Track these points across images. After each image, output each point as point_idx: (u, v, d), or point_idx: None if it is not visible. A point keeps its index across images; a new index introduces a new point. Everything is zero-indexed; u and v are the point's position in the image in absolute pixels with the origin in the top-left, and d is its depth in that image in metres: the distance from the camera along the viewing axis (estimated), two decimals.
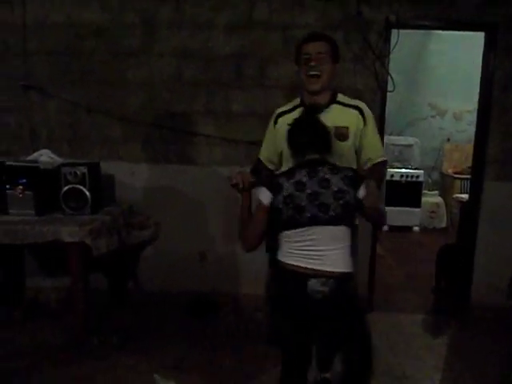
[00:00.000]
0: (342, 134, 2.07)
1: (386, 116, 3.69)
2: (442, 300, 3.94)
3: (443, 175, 6.93)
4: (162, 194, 3.66)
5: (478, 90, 3.63)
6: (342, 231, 1.75)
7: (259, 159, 2.44)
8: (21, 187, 2.99)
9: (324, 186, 1.71)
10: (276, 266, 1.84)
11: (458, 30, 3.86)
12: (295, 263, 1.75)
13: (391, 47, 3.45)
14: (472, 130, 3.91)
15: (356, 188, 1.72)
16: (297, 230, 1.75)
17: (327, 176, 1.73)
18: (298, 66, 2.18)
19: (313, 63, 2.04)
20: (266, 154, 2.39)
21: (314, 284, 1.69)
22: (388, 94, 3.53)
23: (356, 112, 2.13)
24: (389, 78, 3.46)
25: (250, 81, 3.53)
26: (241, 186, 1.93)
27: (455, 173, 6.49)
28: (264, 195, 1.79)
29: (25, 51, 3.56)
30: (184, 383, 2.08)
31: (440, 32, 5.59)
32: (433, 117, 6.90)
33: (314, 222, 1.72)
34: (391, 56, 3.52)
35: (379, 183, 1.96)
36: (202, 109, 3.59)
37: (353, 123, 2.10)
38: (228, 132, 3.58)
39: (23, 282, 3.66)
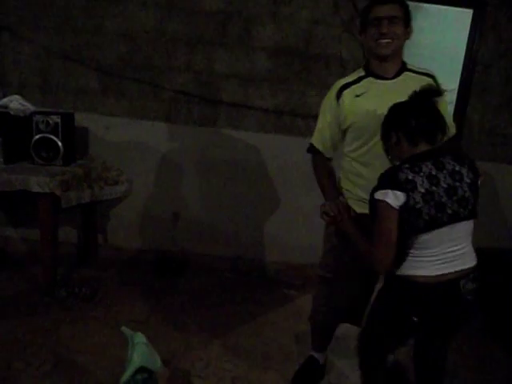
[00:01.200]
0: None
1: None
2: None
3: None
4: (137, 151, 3.58)
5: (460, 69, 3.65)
6: (474, 224, 1.65)
7: (317, 152, 2.11)
8: None
9: (457, 178, 1.54)
10: (399, 284, 1.62)
11: (447, 5, 3.83)
12: (446, 271, 1.55)
13: None
14: (452, 108, 3.95)
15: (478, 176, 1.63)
16: (438, 231, 1.54)
17: (457, 168, 1.56)
18: (362, 30, 1.96)
19: (384, 29, 1.82)
20: (329, 141, 2.08)
21: (467, 283, 1.56)
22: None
23: (430, 80, 1.89)
24: None
25: (234, 40, 3.43)
26: (339, 218, 1.76)
27: None
28: (393, 196, 1.50)
29: None
30: (151, 338, 2.08)
31: (428, 7, 5.54)
32: None
33: (456, 218, 1.55)
34: None
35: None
36: (183, 65, 3.48)
37: None
38: (208, 92, 3.51)
39: None
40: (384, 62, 1.90)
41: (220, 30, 3.42)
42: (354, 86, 1.97)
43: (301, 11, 3.37)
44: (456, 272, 1.55)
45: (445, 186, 1.51)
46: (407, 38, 1.92)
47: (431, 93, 1.61)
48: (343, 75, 3.39)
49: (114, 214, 3.69)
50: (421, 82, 1.78)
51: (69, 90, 3.53)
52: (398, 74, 1.92)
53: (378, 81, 1.93)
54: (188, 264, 3.59)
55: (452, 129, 2.00)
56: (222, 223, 3.67)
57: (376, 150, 1.88)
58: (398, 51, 1.91)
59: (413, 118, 1.58)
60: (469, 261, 1.60)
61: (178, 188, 3.64)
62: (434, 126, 1.60)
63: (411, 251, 1.57)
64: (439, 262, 1.55)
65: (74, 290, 2.98)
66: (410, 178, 1.49)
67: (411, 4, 5.37)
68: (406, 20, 1.89)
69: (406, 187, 1.49)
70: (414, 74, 1.92)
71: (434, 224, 1.51)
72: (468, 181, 1.55)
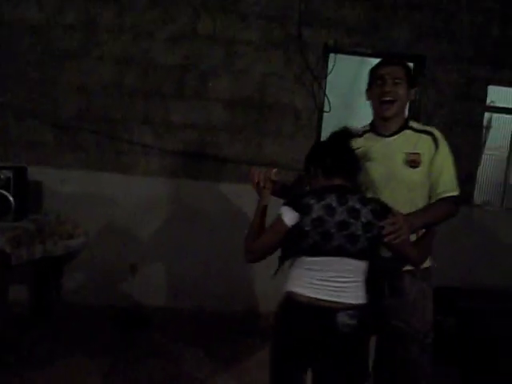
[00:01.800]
0: (414, 160, 1.87)
1: (324, 137, 3.83)
2: None
3: None
4: (93, 203, 3.51)
5: None
6: (365, 265, 1.64)
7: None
8: None
9: (353, 216, 1.58)
10: (287, 297, 1.67)
11: None
12: (320, 297, 1.59)
13: (328, 70, 3.61)
14: None
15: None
16: (322, 259, 1.59)
17: (357, 206, 1.60)
18: (368, 90, 2.00)
19: (387, 88, 1.88)
20: None
21: (342, 317, 1.57)
22: (326, 116, 3.68)
23: (429, 137, 1.90)
24: (325, 99, 3.61)
25: (190, 92, 3.53)
26: (262, 184, 1.81)
27: None
28: (289, 215, 1.60)
29: None
30: None
31: (374, 61, 5.93)
32: None
33: (341, 252, 1.59)
34: (330, 80, 3.68)
35: (428, 220, 1.81)
36: (140, 117, 3.52)
37: (425, 149, 1.88)
38: (166, 143, 3.54)
39: None
40: (386, 122, 1.95)
41: (177, 82, 3.51)
42: (357, 139, 1.95)
43: (254, 64, 3.53)
44: (331, 302, 1.58)
45: (339, 219, 1.57)
46: (411, 99, 1.99)
47: (345, 135, 1.73)
48: (297, 124, 3.59)
49: (69, 269, 3.54)
50: (418, 139, 1.89)
51: (23, 144, 3.48)
52: (396, 132, 1.94)
53: (377, 137, 1.96)
54: (147, 317, 3.45)
55: (447, 185, 1.90)
56: (182, 273, 3.60)
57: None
58: (400, 112, 1.93)
59: (328, 155, 1.69)
60: (352, 297, 1.61)
61: (136, 240, 3.57)
62: (344, 164, 1.68)
63: (297, 270, 1.65)
64: (317, 286, 1.60)
65: (23, 354, 2.78)
66: (310, 203, 1.58)
67: (357, 59, 5.74)
68: (410, 82, 1.93)
69: (303, 210, 1.58)
70: (412, 132, 1.93)
71: (316, 250, 1.59)
72: (364, 221, 1.58)
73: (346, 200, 1.60)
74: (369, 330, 1.68)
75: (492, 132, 5.19)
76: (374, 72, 1.97)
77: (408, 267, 1.85)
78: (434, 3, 3.65)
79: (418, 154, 1.87)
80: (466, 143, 3.80)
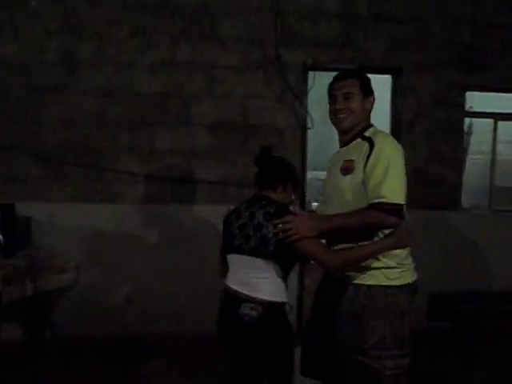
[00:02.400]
0: (346, 167, 1.85)
1: (309, 153, 3.88)
2: None
3: None
4: (83, 236, 3.50)
5: (389, 128, 3.94)
6: (264, 263, 1.75)
7: None
8: None
9: (251, 218, 1.79)
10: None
11: (367, 73, 4.17)
12: (235, 287, 1.83)
13: (309, 88, 3.67)
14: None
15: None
16: (231, 255, 1.86)
17: (254, 210, 1.80)
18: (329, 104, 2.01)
19: (338, 106, 1.90)
20: None
21: (244, 307, 1.76)
22: (310, 131, 3.73)
23: (366, 143, 1.83)
24: (307, 116, 3.66)
25: (174, 119, 3.56)
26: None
27: None
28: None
29: None
30: None
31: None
32: None
33: (241, 250, 1.80)
34: (311, 96, 3.74)
35: (337, 224, 1.73)
36: (125, 147, 3.54)
37: (359, 155, 1.81)
38: (152, 170, 3.55)
39: None
40: (344, 135, 1.96)
41: (160, 109, 3.55)
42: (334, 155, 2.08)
43: (235, 88, 3.58)
44: (236, 291, 1.81)
45: (241, 222, 1.81)
46: (369, 108, 1.93)
47: (265, 150, 1.93)
48: (282, 143, 3.62)
49: (62, 304, 3.50)
50: (360, 145, 1.85)
51: (8, 180, 3.47)
52: (348, 143, 1.93)
53: (339, 150, 2.01)
54: (143, 348, 3.40)
55: (376, 191, 1.71)
56: (177, 300, 3.57)
57: (329, 211, 1.92)
58: (356, 123, 1.90)
59: (257, 167, 1.95)
60: (257, 292, 1.77)
61: (128, 270, 3.54)
62: (264, 178, 1.91)
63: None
64: (232, 277, 1.86)
65: None
66: (234, 209, 1.90)
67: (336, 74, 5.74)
68: (364, 91, 1.91)
69: (229, 215, 1.91)
70: (360, 140, 1.88)
71: (226, 248, 1.88)
72: (255, 222, 1.77)
73: (251, 206, 1.82)
74: (274, 326, 1.77)
75: (474, 137, 5.27)
76: (329, 88, 1.99)
77: (357, 280, 1.80)
78: (406, 14, 3.75)
79: (351, 160, 1.84)
80: (449, 149, 3.87)
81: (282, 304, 1.79)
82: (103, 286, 3.50)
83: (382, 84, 4.30)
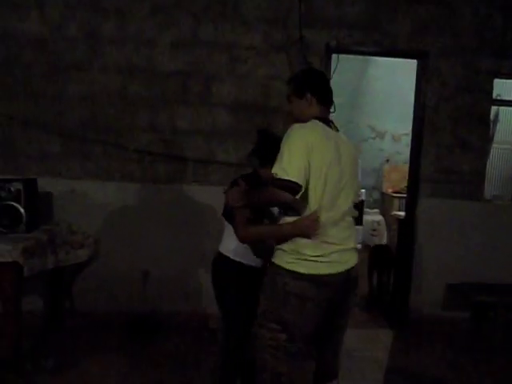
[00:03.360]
0: None
1: None
2: (375, 297, 4.35)
3: (383, 194, 7.22)
4: (103, 213, 3.55)
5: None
6: (226, 223, 2.27)
7: None
8: None
9: None
10: None
11: (393, 57, 4.10)
12: None
13: (332, 71, 3.60)
14: (409, 151, 4.13)
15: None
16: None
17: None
18: None
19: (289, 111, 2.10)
20: None
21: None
22: (331, 116, 3.66)
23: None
24: None
25: (195, 98, 3.55)
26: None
27: (394, 192, 6.78)
28: None
29: None
30: None
31: (377, 58, 5.91)
32: (373, 138, 7.21)
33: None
34: (333, 80, 3.66)
35: (250, 200, 1.97)
36: (146, 125, 3.55)
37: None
38: (172, 149, 3.56)
39: None
40: None
41: (181, 89, 3.54)
42: None
43: (257, 68, 3.53)
44: None
45: None
46: (304, 107, 1.98)
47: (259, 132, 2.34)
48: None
49: (82, 278, 3.58)
50: None
51: (31, 156, 3.52)
52: None
53: None
54: (161, 323, 3.47)
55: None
56: (192, 279, 3.61)
57: None
58: (301, 120, 1.92)
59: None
60: (220, 246, 2.34)
61: (147, 246, 3.59)
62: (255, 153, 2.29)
63: None
64: None
65: (40, 362, 2.82)
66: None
67: (362, 58, 5.68)
68: (298, 94, 2.00)
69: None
70: None
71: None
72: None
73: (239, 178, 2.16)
74: (216, 273, 2.30)
75: (500, 126, 5.14)
76: None
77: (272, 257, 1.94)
78: None
79: None
80: (473, 137, 3.77)
81: (225, 257, 2.23)
82: (121, 261, 3.56)
83: (409, 68, 4.22)
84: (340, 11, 3.57)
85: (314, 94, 1.98)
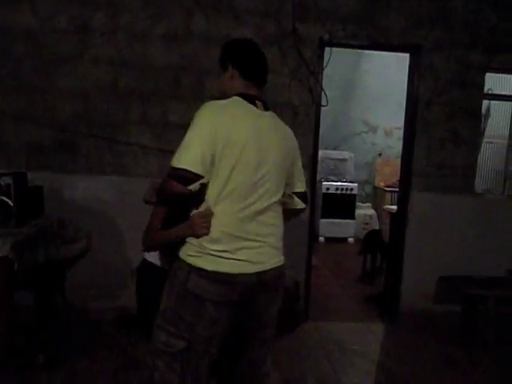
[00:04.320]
0: None
1: (323, 131, 3.83)
2: (369, 278, 4.81)
3: (375, 188, 7.26)
4: (94, 207, 3.52)
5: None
6: None
7: None
8: None
9: None
10: None
11: (385, 50, 4.11)
12: None
13: (325, 64, 3.60)
14: (401, 145, 4.15)
15: None
16: None
17: None
18: None
19: None
20: None
21: None
22: (323, 109, 3.67)
23: None
24: (322, 93, 3.60)
25: (187, 92, 3.52)
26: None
27: (386, 186, 6.83)
28: None
29: None
30: None
31: (370, 52, 5.92)
32: (366, 132, 7.24)
33: None
34: (326, 73, 3.67)
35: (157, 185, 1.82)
36: (138, 119, 3.52)
37: None
38: (164, 143, 3.54)
39: None
40: None
41: (173, 82, 3.51)
42: None
43: None
44: None
45: None
46: (226, 80, 1.81)
47: None
48: (296, 120, 3.58)
49: (73, 273, 3.55)
50: None
51: (22, 150, 3.48)
52: None
53: None
54: (153, 319, 3.46)
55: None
56: None
57: None
58: (222, 95, 1.78)
59: None
60: None
61: (139, 241, 3.56)
62: None
63: None
64: None
65: (30, 357, 2.80)
66: None
67: (355, 52, 5.67)
68: (222, 67, 1.83)
69: None
70: None
71: None
72: None
73: None
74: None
75: (491, 120, 5.17)
76: None
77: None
78: None
79: None
80: (465, 131, 3.79)
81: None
82: (113, 256, 3.54)
83: (401, 62, 4.23)
84: (333, 4, 3.56)
85: (236, 66, 1.76)
